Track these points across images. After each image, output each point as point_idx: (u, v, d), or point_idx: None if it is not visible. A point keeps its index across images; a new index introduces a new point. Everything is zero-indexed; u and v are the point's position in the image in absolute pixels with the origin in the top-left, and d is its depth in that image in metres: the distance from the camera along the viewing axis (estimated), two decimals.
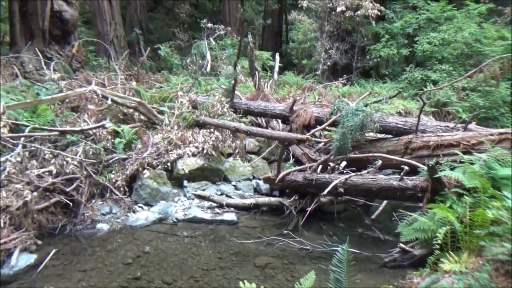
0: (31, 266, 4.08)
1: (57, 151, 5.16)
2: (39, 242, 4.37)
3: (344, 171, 5.62)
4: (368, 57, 13.13)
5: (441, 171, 4.11)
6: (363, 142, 6.12)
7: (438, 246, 3.37)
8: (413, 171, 4.90)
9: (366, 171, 5.28)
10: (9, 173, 4.53)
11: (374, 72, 13.40)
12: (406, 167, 4.70)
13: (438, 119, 9.62)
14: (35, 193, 4.52)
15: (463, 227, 3.48)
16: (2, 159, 4.63)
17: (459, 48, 11.22)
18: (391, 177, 4.93)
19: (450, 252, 3.24)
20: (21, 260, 4.08)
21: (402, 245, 4.11)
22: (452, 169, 4.22)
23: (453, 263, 2.95)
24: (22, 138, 5.01)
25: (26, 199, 4.36)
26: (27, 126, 5.19)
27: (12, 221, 4.28)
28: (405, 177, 4.59)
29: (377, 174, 5.32)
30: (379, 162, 5.31)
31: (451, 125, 5.93)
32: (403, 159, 5.32)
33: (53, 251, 4.32)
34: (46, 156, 5.01)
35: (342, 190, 4.99)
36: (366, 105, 6.27)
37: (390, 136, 6.28)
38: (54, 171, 4.90)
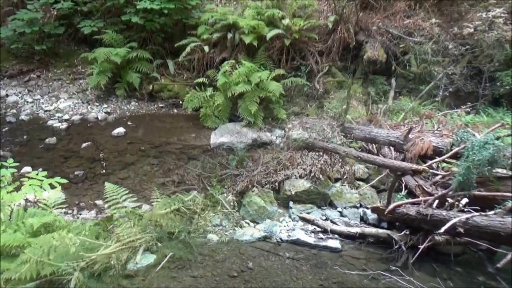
0: (151, 265, 4.51)
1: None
2: (159, 244, 4.84)
3: (465, 209, 5.07)
4: (498, 83, 11.79)
5: None
6: (490, 179, 5.46)
7: None
8: None
9: (492, 211, 4.68)
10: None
11: (505, 101, 11.96)
12: None
13: None
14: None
15: None
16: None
17: None
18: None
19: None
20: (143, 259, 4.56)
21: None
22: None
23: None
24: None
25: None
26: None
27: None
28: None
29: (506, 216, 4.68)
30: (510, 204, 4.68)
31: None
32: None
33: (170, 254, 4.72)
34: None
35: (461, 230, 4.49)
36: (497, 138, 5.60)
37: None
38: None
